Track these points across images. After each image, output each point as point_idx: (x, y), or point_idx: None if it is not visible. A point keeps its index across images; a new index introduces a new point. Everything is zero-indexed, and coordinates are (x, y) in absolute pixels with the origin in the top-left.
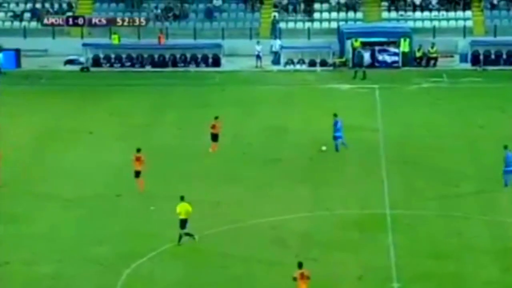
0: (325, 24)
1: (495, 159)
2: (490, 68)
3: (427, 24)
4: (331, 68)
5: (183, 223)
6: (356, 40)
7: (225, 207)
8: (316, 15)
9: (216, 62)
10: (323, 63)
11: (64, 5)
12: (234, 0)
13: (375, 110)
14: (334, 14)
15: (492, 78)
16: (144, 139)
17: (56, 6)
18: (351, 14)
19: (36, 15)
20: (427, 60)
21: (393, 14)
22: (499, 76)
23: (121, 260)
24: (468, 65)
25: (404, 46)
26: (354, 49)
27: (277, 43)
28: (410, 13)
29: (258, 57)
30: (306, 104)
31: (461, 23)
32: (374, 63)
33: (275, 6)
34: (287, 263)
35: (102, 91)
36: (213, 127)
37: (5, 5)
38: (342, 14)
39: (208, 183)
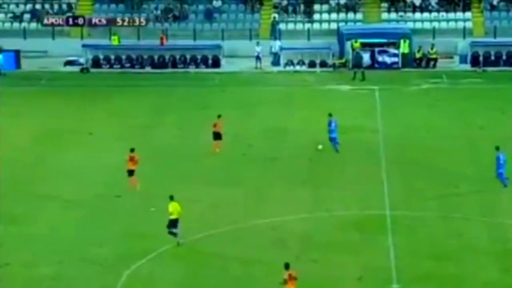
0: (325, 25)
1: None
2: (489, 69)
3: (427, 25)
4: (331, 69)
5: (174, 223)
6: (356, 41)
7: (225, 208)
8: (316, 16)
9: (216, 63)
10: (323, 64)
11: (64, 6)
12: (234, 1)
13: (375, 111)
14: (333, 15)
15: (491, 79)
16: (144, 140)
17: (56, 7)
18: (350, 15)
19: (36, 16)
20: (427, 61)
21: (393, 15)
22: (499, 77)
23: (121, 261)
24: (468, 66)
25: (404, 47)
26: (353, 50)
27: (277, 44)
28: (409, 14)
29: (258, 58)
30: (306, 105)
31: (460, 24)
32: (374, 64)
33: (275, 7)
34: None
35: (102, 92)
36: (215, 125)
37: (5, 6)
38: (342, 15)
39: (208, 184)
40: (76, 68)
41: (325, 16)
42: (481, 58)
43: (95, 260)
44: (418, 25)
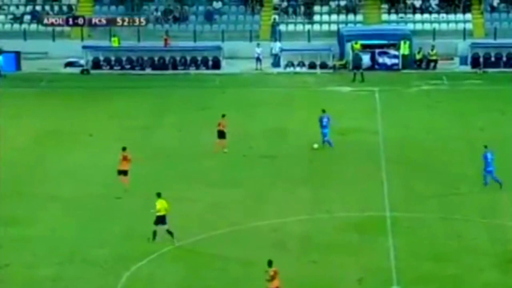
0: (325, 27)
1: (495, 162)
2: (490, 70)
3: (427, 26)
4: (331, 70)
5: (162, 219)
6: (356, 43)
7: (225, 209)
8: (316, 17)
9: (216, 65)
10: (323, 66)
11: (64, 8)
12: (234, 3)
13: (375, 113)
14: (334, 17)
15: (492, 81)
16: (144, 141)
17: (56, 8)
18: (351, 16)
19: (36, 17)
20: (427, 62)
21: (393, 17)
22: (499, 78)
23: (121, 262)
24: (468, 68)
25: (404, 49)
26: (353, 51)
27: (277, 46)
28: (410, 16)
29: (258, 59)
30: (306, 107)
31: (461, 25)
32: (374, 65)
33: (275, 8)
34: (287, 266)
35: (102, 93)
36: (219, 124)
37: (5, 7)
38: (342, 17)
39: (208, 185)
40: (76, 70)
41: (325, 17)
42: (481, 60)
43: (95, 262)
44: (418, 26)
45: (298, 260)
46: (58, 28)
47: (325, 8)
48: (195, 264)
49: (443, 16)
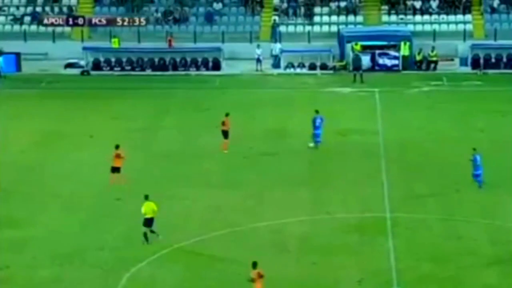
0: (325, 28)
1: (495, 163)
2: (490, 71)
3: (427, 27)
4: (331, 71)
5: (149, 222)
6: (356, 44)
7: (225, 211)
8: (316, 18)
9: (216, 66)
10: (323, 67)
11: (65, 9)
12: (235, 4)
13: (375, 114)
14: (334, 18)
15: (492, 82)
16: (144, 142)
17: (56, 9)
18: (351, 17)
19: (36, 18)
20: (427, 63)
21: (393, 18)
22: (499, 79)
23: (121, 264)
24: (468, 69)
25: (404, 50)
26: (353, 52)
27: (277, 47)
28: (410, 17)
29: (258, 60)
30: (306, 108)
31: (461, 26)
32: (374, 66)
33: (275, 9)
34: (287, 267)
35: (103, 94)
36: (223, 123)
37: (6, 8)
38: (342, 18)
39: (208, 186)
40: (76, 71)
41: (325, 18)
42: (481, 61)
43: (95, 263)
44: (419, 27)
45: (298, 261)
46: (58, 29)
47: (325, 9)
48: (195, 265)
49: (443, 17)
